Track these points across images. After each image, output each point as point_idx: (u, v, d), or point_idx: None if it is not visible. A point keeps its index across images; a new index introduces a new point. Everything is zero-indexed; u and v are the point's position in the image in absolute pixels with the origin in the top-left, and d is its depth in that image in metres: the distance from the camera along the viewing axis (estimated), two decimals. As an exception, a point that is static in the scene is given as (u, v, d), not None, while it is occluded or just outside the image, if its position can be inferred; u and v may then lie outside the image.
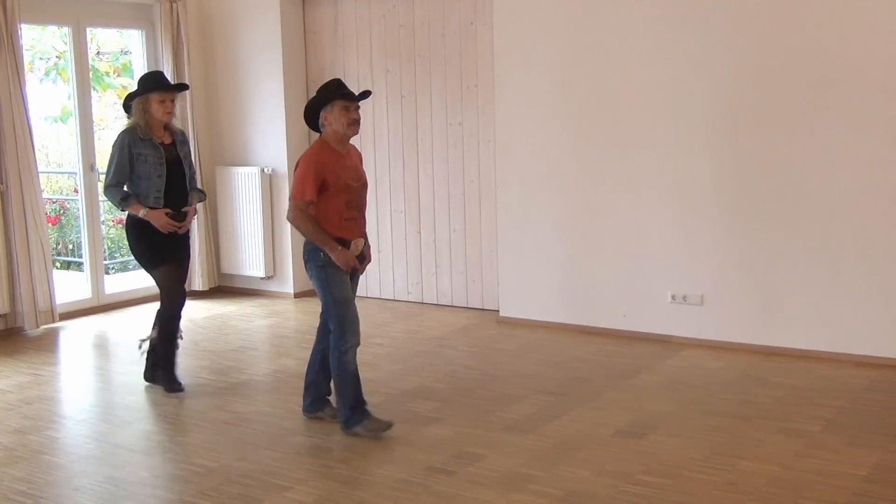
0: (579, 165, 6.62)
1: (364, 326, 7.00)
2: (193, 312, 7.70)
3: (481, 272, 7.41)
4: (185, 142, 5.57)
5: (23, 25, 6.98)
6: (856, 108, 5.61)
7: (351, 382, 4.65)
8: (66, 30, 7.63)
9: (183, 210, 5.46)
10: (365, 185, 4.75)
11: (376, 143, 7.79)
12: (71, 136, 8.36)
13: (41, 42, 9.82)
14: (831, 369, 5.62)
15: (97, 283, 7.80)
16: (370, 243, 4.96)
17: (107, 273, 8.21)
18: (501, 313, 7.12)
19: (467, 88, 7.25)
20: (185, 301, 5.71)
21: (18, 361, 6.32)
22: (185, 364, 6.21)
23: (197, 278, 8.17)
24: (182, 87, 5.76)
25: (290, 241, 8.10)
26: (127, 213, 5.43)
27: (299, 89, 8.07)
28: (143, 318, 7.56)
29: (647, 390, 5.35)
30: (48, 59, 9.97)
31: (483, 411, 5.04)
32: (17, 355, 6.48)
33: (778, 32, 5.80)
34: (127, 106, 5.42)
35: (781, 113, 5.84)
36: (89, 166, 7.69)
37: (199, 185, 5.78)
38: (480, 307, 7.43)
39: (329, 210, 4.56)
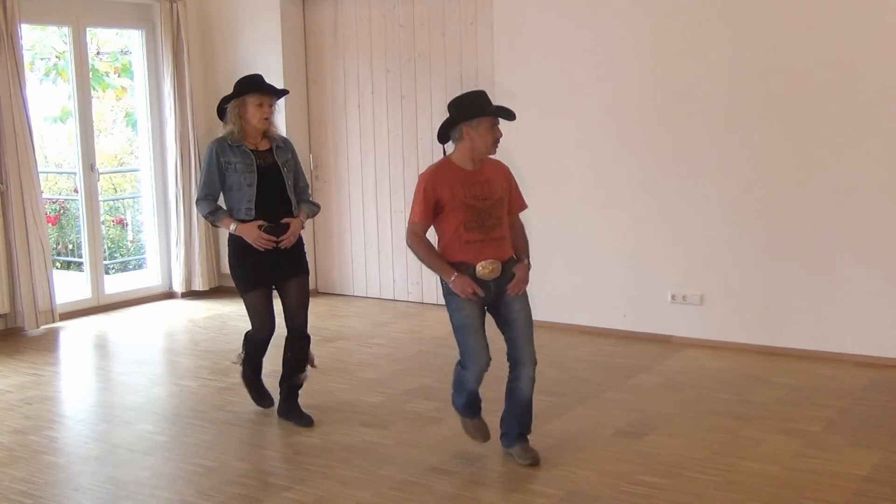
0: (579, 165, 6.62)
1: (364, 326, 7.08)
2: (194, 312, 7.71)
3: (481, 272, 7.40)
4: (287, 149, 4.92)
5: (23, 25, 6.98)
6: (856, 109, 5.60)
7: (467, 398, 4.34)
8: (66, 30, 7.63)
9: (283, 222, 4.78)
10: (497, 203, 4.25)
11: (376, 143, 7.79)
12: (70, 136, 8.37)
13: (41, 42, 9.82)
14: (831, 369, 5.62)
15: (97, 283, 7.80)
16: (529, 262, 4.37)
17: (107, 273, 8.22)
18: (501, 313, 7.11)
19: (467, 88, 7.22)
20: (301, 331, 4.97)
21: (18, 361, 6.32)
22: (186, 364, 6.22)
23: (197, 278, 8.17)
24: (282, 91, 4.95)
25: (290, 241, 8.09)
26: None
27: (299, 89, 8.07)
28: (143, 319, 7.57)
29: (647, 390, 5.35)
30: (48, 59, 9.96)
31: (483, 411, 5.03)
32: (17, 355, 6.48)
33: (780, 32, 5.80)
34: (221, 110, 4.85)
35: (782, 114, 5.83)
36: (89, 166, 7.68)
37: (311, 199, 5.03)
38: (480, 307, 7.42)
39: (448, 231, 4.20)
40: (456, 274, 4.15)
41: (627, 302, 6.52)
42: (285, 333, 4.96)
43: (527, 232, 4.29)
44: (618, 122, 6.42)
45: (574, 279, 6.73)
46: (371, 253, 7.98)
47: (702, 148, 6.13)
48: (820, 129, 5.72)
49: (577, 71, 6.54)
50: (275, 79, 7.86)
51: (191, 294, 8.24)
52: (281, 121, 7.93)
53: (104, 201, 8.90)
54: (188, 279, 8.20)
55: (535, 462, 4.27)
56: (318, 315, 7.53)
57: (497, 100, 6.90)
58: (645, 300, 6.45)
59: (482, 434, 4.43)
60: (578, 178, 6.63)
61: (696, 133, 6.14)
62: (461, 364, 4.30)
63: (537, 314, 6.90)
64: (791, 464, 4.20)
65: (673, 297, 6.34)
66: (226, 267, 8.19)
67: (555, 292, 6.82)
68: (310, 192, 5.10)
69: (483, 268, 4.17)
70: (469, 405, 4.38)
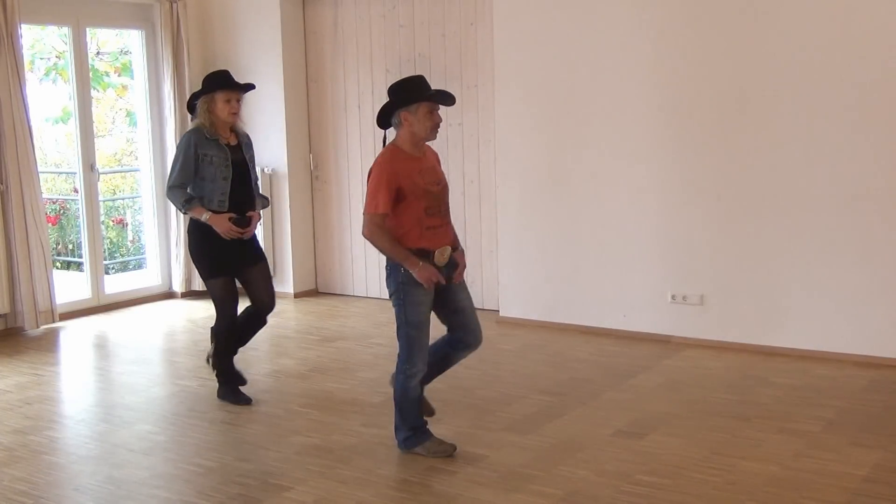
0: (579, 165, 6.62)
1: (364, 326, 7.08)
2: (193, 312, 7.71)
3: (481, 272, 7.41)
4: (251, 144, 5.31)
5: (23, 25, 6.97)
6: (855, 108, 5.60)
7: (413, 407, 4.39)
8: (66, 30, 7.63)
9: (248, 215, 5.15)
10: (446, 188, 4.37)
11: (376, 142, 7.78)
12: (70, 136, 8.36)
13: (41, 42, 9.82)
14: (831, 369, 5.62)
15: (97, 283, 7.80)
16: (463, 249, 4.51)
17: (106, 273, 8.22)
18: (501, 313, 7.12)
19: (467, 88, 7.25)
20: (270, 310, 5.39)
21: (18, 361, 6.32)
22: (186, 364, 6.22)
23: (196, 278, 8.16)
24: (248, 86, 5.30)
25: (289, 241, 8.10)
26: (190, 216, 5.15)
27: (299, 89, 8.07)
28: (143, 319, 7.57)
29: (647, 390, 5.35)
30: (48, 59, 9.96)
31: (483, 411, 5.04)
32: (17, 355, 6.48)
33: (778, 31, 5.80)
34: (191, 106, 5.18)
35: (781, 113, 5.83)
36: (89, 166, 7.68)
37: (261, 191, 5.48)
38: (480, 307, 7.40)
39: (408, 220, 4.20)
40: (422, 263, 4.17)
41: (627, 302, 6.52)
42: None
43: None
44: (617, 122, 6.42)
45: (574, 279, 6.73)
46: (371, 253, 7.97)
47: (701, 148, 6.13)
48: (819, 129, 5.72)
49: (577, 71, 6.54)
50: (275, 79, 7.92)
51: (190, 294, 8.24)
52: (281, 121, 7.97)
53: (104, 201, 8.90)
54: (188, 279, 8.20)
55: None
56: (318, 315, 7.53)
57: (496, 99, 6.95)
58: (645, 300, 6.45)
59: (449, 444, 4.43)
60: (578, 178, 6.63)
61: (696, 133, 6.14)
62: (405, 372, 4.30)
63: (537, 314, 6.98)
64: (791, 464, 4.20)
65: (673, 297, 6.34)
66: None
67: (555, 292, 6.82)
68: (260, 184, 5.57)
69: (440, 254, 4.25)
70: (419, 419, 4.41)
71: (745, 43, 5.90)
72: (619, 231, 6.50)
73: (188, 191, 5.08)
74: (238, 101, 5.14)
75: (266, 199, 5.42)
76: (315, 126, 8.18)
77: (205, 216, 5.01)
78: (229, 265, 5.19)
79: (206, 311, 7.69)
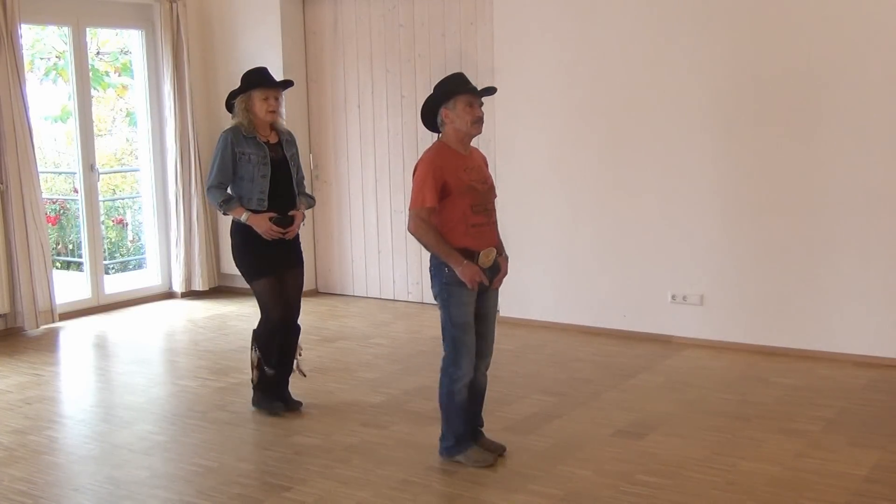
0: (579, 165, 6.62)
1: (364, 326, 7.08)
2: (193, 312, 7.71)
3: (481, 272, 7.40)
4: (293, 142, 5.14)
5: (23, 25, 6.97)
6: (856, 109, 5.61)
7: (458, 412, 4.26)
8: (66, 30, 7.62)
9: (290, 214, 4.99)
10: (492, 189, 4.29)
11: (376, 142, 7.79)
12: (69, 136, 8.36)
13: (41, 42, 9.82)
14: (831, 369, 5.62)
15: (97, 283, 7.79)
16: (507, 255, 4.40)
17: (106, 273, 8.21)
18: (501, 313, 7.10)
19: (467, 88, 7.24)
20: (294, 320, 5.13)
21: (18, 361, 6.31)
22: (186, 364, 6.22)
23: (197, 278, 8.17)
24: (286, 83, 5.17)
25: (290, 241, 8.10)
26: (231, 217, 4.98)
27: (299, 89, 8.06)
28: (143, 319, 7.57)
29: (647, 390, 5.35)
30: (48, 59, 9.96)
31: (483, 411, 5.03)
32: (17, 355, 6.48)
33: (778, 32, 5.80)
34: (229, 105, 5.06)
35: (782, 113, 5.84)
36: (89, 166, 7.68)
37: (307, 190, 5.25)
38: (480, 307, 7.42)
39: (452, 216, 4.13)
40: (466, 261, 4.11)
41: (627, 302, 6.52)
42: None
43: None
44: (618, 122, 6.42)
45: (574, 279, 6.73)
46: (371, 253, 7.98)
47: (702, 148, 6.13)
48: (819, 129, 5.72)
49: (577, 70, 6.54)
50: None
51: (190, 294, 8.24)
52: (281, 121, 7.95)
53: (104, 201, 8.90)
54: (188, 279, 8.20)
55: (505, 449, 4.38)
56: (318, 315, 7.53)
57: (496, 99, 6.91)
58: (645, 300, 6.45)
59: (490, 455, 4.31)
60: (578, 178, 6.63)
61: (696, 133, 6.14)
62: (450, 375, 4.21)
63: (537, 314, 6.98)
64: (791, 464, 4.20)
65: (673, 297, 6.34)
66: (225, 267, 8.26)
67: (555, 292, 6.82)
68: (306, 182, 5.30)
69: (485, 256, 4.18)
70: (463, 426, 4.27)
71: (742, 43, 5.90)
72: (619, 231, 6.50)
73: (228, 191, 4.97)
74: (276, 98, 5.00)
75: (311, 198, 5.24)
76: (315, 126, 8.18)
77: (244, 216, 4.89)
78: (273, 265, 5.00)
79: (206, 311, 7.70)
